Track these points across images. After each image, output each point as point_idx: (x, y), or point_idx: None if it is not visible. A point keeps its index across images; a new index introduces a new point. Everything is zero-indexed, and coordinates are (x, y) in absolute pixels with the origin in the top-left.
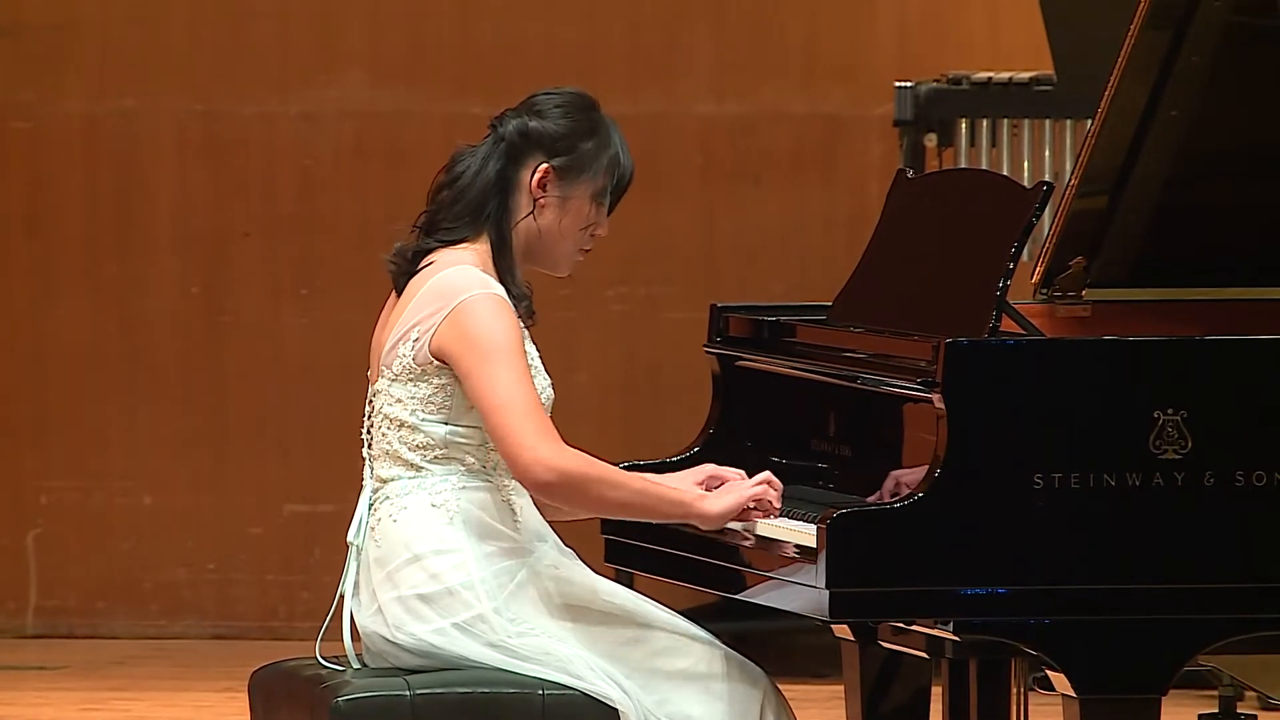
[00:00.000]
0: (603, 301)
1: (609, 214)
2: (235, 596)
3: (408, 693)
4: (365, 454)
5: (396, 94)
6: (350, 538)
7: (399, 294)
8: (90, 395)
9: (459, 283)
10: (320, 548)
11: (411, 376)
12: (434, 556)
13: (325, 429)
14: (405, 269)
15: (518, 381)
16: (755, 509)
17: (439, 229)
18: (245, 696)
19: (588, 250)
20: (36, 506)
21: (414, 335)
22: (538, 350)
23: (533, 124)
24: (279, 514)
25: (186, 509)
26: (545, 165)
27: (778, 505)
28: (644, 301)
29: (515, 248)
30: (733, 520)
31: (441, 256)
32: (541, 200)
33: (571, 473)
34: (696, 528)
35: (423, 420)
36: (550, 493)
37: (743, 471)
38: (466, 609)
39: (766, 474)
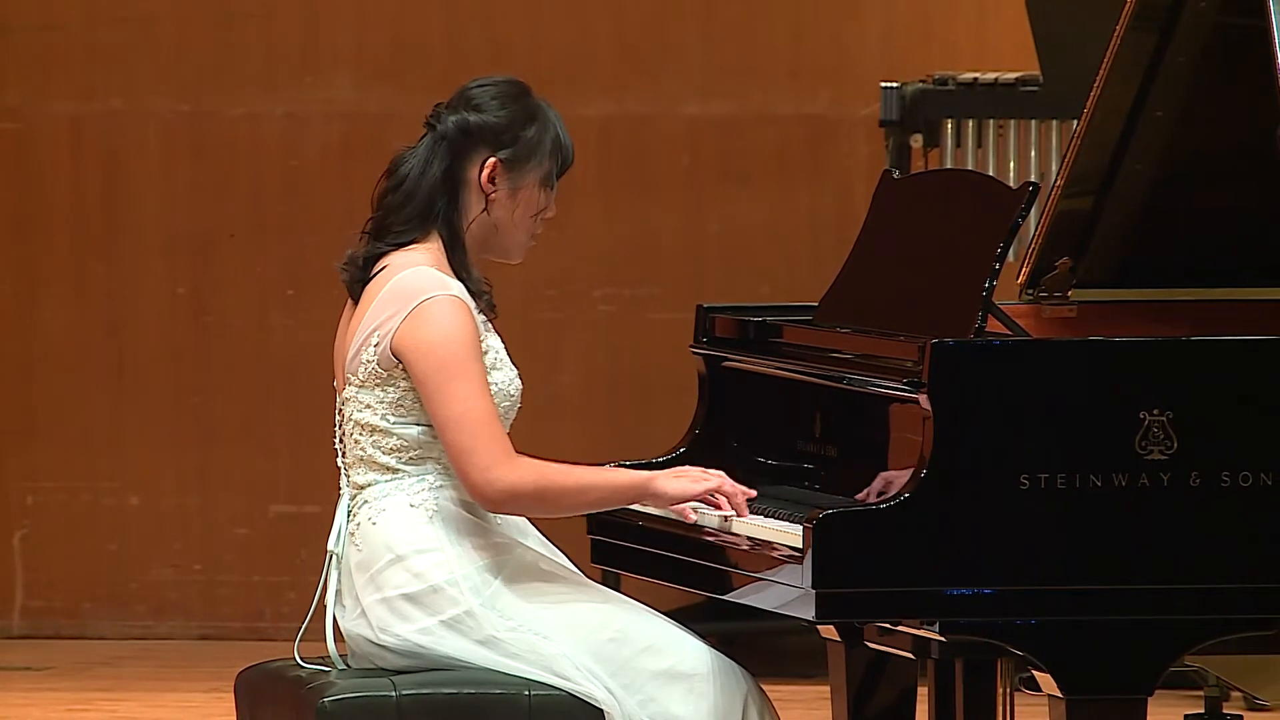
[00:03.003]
0: (589, 302)
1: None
2: (221, 597)
3: (393, 693)
4: (340, 463)
5: (383, 95)
6: (330, 546)
7: (355, 301)
8: (77, 396)
9: (417, 284)
10: (306, 548)
11: (378, 381)
12: (416, 556)
13: (311, 430)
14: (358, 276)
15: (473, 395)
16: (726, 505)
17: (389, 233)
18: (232, 697)
19: (539, 234)
20: (23, 507)
21: (374, 340)
22: (502, 342)
23: (473, 119)
24: (265, 515)
25: (173, 510)
26: (492, 160)
27: (741, 503)
28: (630, 302)
29: (469, 243)
30: (704, 511)
31: (395, 259)
32: (492, 195)
33: (524, 491)
34: (684, 529)
35: (394, 424)
36: (505, 510)
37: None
38: (453, 605)
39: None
